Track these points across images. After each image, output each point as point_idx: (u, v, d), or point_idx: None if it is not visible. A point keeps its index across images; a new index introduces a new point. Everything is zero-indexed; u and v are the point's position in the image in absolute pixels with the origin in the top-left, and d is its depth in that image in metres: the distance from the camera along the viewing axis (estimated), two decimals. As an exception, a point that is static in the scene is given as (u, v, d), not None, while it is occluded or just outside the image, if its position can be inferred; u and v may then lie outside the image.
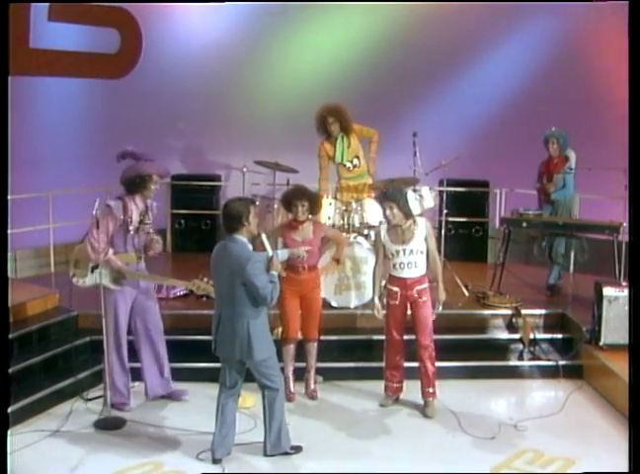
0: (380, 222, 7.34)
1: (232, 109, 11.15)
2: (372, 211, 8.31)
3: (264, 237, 5.85)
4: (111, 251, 6.56)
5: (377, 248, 6.98)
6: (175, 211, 11.14)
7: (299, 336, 7.15)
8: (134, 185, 6.62)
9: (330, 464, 5.97)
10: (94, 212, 6.33)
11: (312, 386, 7.21)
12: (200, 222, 11.17)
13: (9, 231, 6.90)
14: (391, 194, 6.70)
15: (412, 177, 8.31)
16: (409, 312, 6.88)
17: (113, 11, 10.29)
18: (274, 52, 11.24)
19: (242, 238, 5.75)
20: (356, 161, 8.52)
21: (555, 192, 8.80)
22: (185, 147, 11.46)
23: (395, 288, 6.79)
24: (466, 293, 8.72)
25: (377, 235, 6.97)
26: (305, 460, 6.03)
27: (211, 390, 7.07)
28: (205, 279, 6.39)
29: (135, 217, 6.65)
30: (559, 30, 10.97)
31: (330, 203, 8.26)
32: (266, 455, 5.99)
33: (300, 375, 7.27)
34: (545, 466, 5.97)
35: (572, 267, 9.11)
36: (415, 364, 6.96)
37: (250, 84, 11.25)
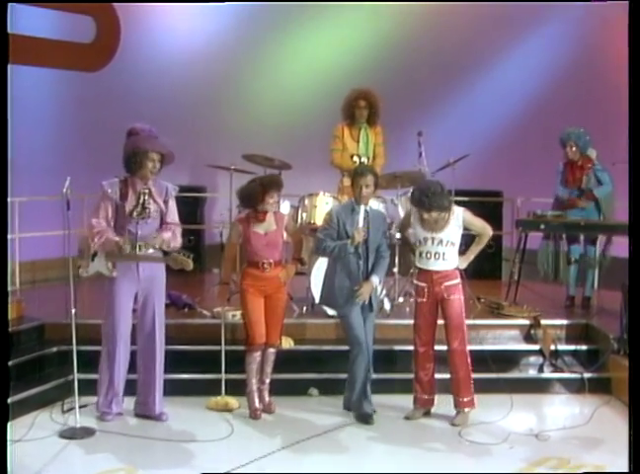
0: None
1: (219, 115, 11.15)
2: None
3: (362, 209, 6.57)
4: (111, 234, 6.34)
5: (404, 223, 7.01)
6: (155, 226, 10.93)
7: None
8: (130, 163, 6.40)
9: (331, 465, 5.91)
10: (64, 190, 6.17)
11: (267, 398, 6.90)
12: (182, 238, 10.96)
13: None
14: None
15: (417, 171, 8.24)
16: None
17: (87, -4, 10.07)
18: (270, 53, 11.24)
19: (349, 199, 6.85)
20: (364, 159, 8.57)
21: (598, 192, 8.63)
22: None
23: (422, 284, 6.69)
24: (478, 306, 8.56)
25: (407, 215, 6.93)
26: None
27: (189, 400, 7.05)
28: (182, 253, 6.18)
29: (131, 200, 6.41)
30: (571, 36, 11.07)
31: (327, 202, 8.13)
32: (346, 409, 6.86)
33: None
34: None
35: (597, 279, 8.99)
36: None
37: (241, 88, 11.27)
